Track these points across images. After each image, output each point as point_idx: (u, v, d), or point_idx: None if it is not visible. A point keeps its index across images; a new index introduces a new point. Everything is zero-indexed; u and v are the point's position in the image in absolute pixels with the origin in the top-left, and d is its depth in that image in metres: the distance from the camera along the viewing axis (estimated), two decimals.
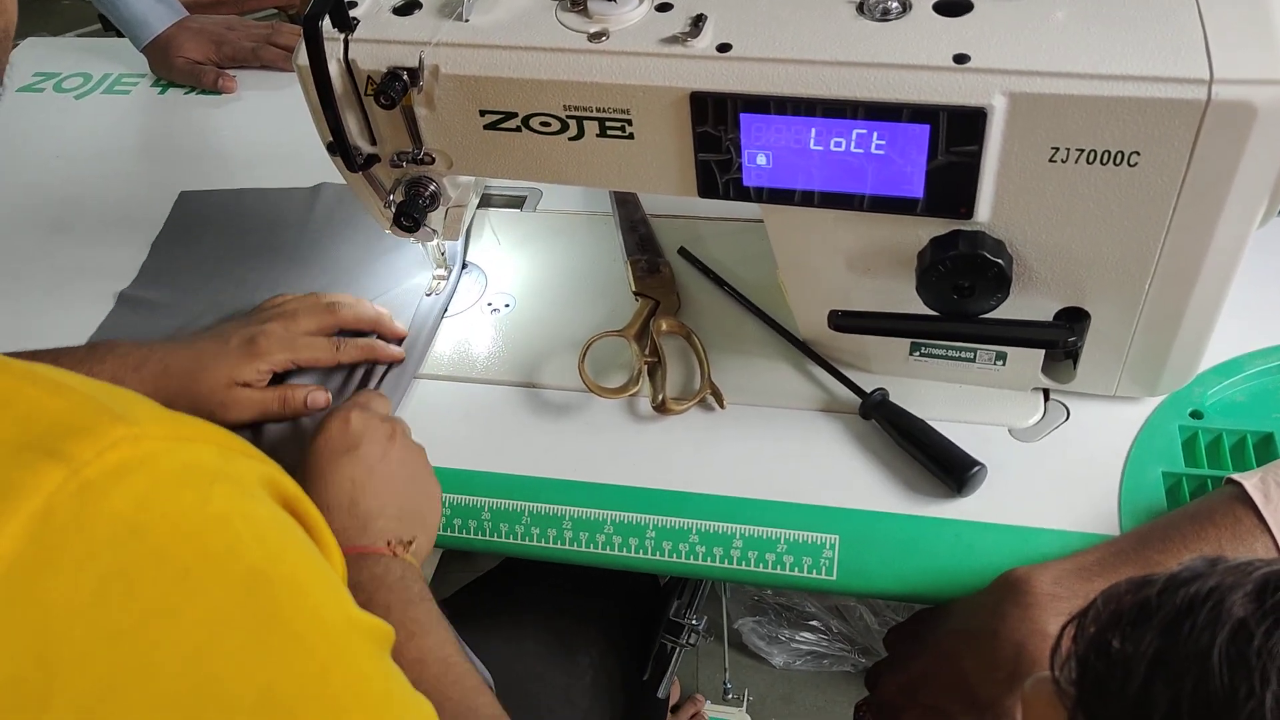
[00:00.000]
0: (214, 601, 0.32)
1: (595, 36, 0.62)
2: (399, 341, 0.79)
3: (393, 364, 0.78)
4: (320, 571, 0.37)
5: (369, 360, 0.78)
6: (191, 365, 0.72)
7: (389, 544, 0.61)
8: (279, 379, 0.76)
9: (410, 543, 0.63)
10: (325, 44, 0.64)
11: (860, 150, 0.60)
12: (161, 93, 1.15)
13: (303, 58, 0.65)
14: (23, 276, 0.93)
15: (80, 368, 0.69)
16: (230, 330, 0.75)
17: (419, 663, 0.56)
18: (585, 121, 0.64)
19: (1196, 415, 0.70)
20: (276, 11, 2.00)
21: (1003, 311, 0.64)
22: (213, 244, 0.92)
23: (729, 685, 1.36)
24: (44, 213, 1.00)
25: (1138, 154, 0.56)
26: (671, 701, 1.23)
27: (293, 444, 0.73)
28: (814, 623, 1.51)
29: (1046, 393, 0.73)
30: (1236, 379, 0.72)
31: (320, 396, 0.75)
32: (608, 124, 0.64)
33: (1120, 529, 0.64)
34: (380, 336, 0.79)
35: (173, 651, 0.31)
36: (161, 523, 0.32)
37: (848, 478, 0.69)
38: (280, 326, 0.75)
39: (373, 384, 0.77)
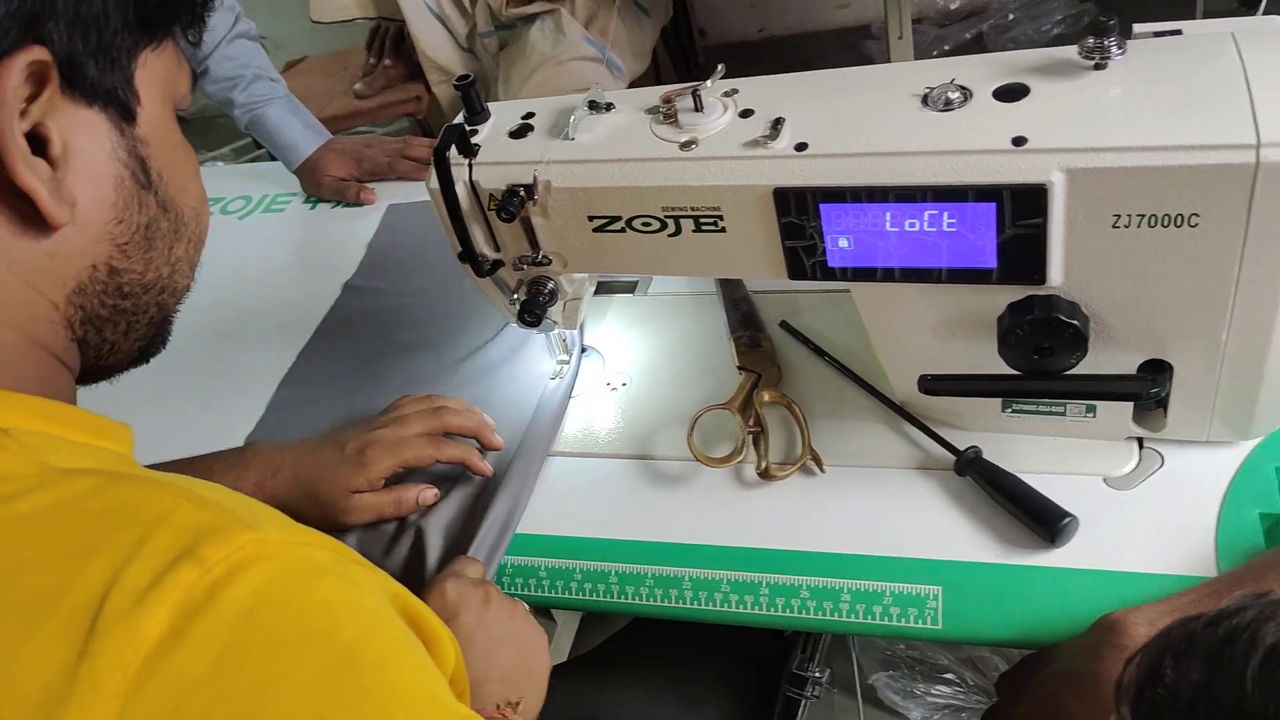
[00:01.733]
0: (309, 672, 0.37)
1: (686, 145, 0.70)
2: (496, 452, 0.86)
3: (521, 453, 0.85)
4: (412, 658, 0.42)
5: (464, 465, 0.83)
6: (315, 473, 0.80)
7: (498, 707, 0.65)
8: None
9: (518, 703, 0.66)
10: (452, 169, 0.74)
11: (933, 229, 0.65)
12: (311, 208, 1.29)
13: (434, 182, 0.75)
14: (200, 379, 1.06)
15: (232, 471, 0.80)
16: (348, 437, 0.82)
17: None
18: (682, 220, 0.71)
19: None
20: (406, 118, 2.17)
21: (1086, 366, 0.67)
22: (362, 343, 1.04)
23: None
24: (217, 322, 1.13)
25: (1197, 216, 0.60)
26: None
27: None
28: (949, 675, 1.51)
29: (1140, 441, 0.75)
30: None
31: (429, 494, 0.82)
32: (702, 220, 0.71)
33: (1217, 571, 0.66)
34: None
35: (274, 712, 0.36)
36: (272, 607, 0.38)
37: (947, 532, 0.73)
38: (390, 432, 0.82)
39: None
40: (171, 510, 0.40)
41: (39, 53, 0.43)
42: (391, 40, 2.02)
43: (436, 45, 1.83)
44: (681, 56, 2.48)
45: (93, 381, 0.54)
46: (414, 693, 0.40)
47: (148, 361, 0.57)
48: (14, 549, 0.38)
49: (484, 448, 0.86)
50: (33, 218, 0.45)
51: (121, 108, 0.48)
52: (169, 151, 0.52)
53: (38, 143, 0.45)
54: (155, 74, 0.50)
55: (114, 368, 0.55)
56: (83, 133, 0.47)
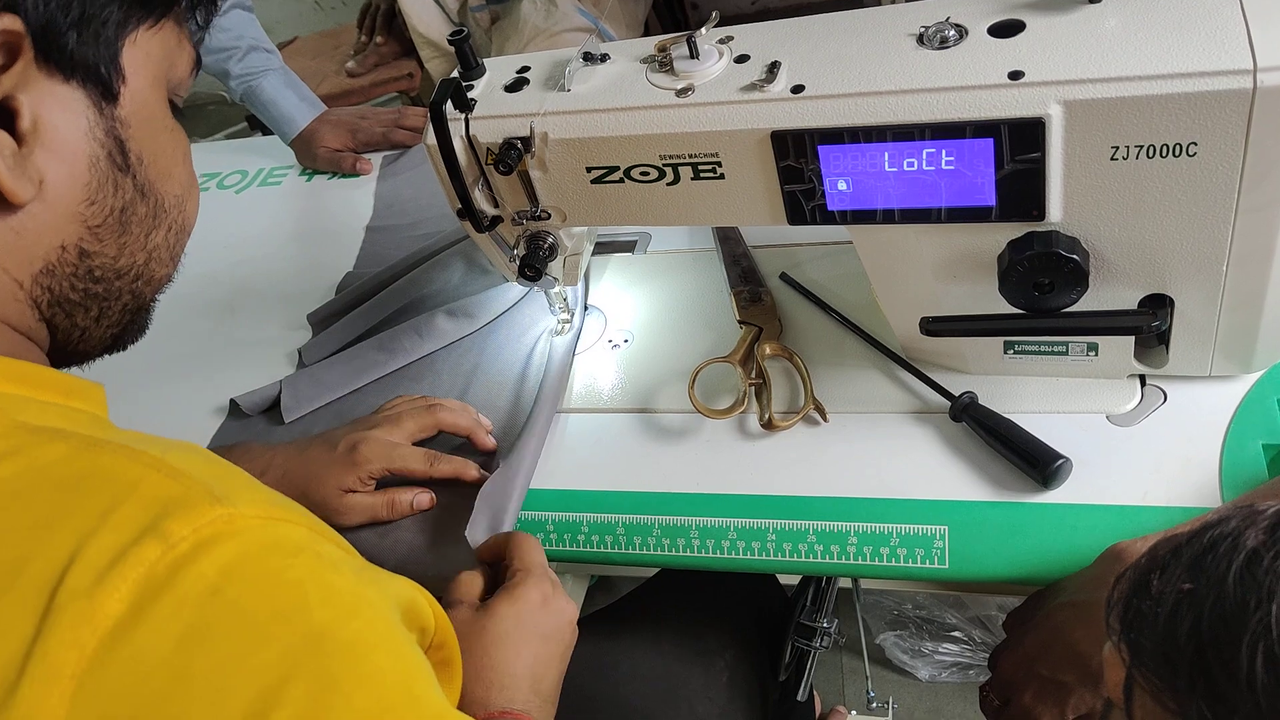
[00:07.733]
0: (276, 652, 0.36)
1: (682, 91, 0.70)
2: (489, 454, 0.83)
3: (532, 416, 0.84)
4: (389, 643, 0.41)
5: (458, 478, 0.80)
6: (305, 472, 0.78)
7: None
8: None
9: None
10: (449, 124, 0.73)
11: (931, 168, 0.65)
12: (308, 180, 1.29)
13: (431, 138, 0.74)
14: (203, 353, 1.06)
15: None
16: (340, 435, 0.80)
17: None
18: (680, 167, 0.71)
19: None
20: (399, 95, 2.17)
21: (1086, 303, 0.68)
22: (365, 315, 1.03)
23: (872, 694, 1.39)
24: (217, 296, 1.13)
25: (1195, 145, 0.60)
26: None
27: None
28: (956, 634, 1.52)
29: (1143, 378, 0.76)
30: None
31: (425, 499, 0.80)
32: (700, 168, 0.71)
33: (1221, 501, 0.67)
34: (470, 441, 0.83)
35: (239, 694, 0.35)
36: (240, 584, 0.37)
37: (951, 474, 0.73)
38: (384, 432, 0.80)
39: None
40: (139, 481, 0.38)
41: (10, 21, 0.41)
42: (383, 17, 2.00)
43: (428, 21, 1.82)
44: (675, 30, 2.46)
45: (64, 366, 0.52)
46: (385, 681, 0.39)
47: (124, 349, 0.55)
48: None
49: (475, 448, 0.83)
50: None
51: (102, 85, 0.46)
52: (154, 135, 0.50)
53: (6, 115, 0.43)
54: (149, 53, 0.49)
55: (85, 354, 0.53)
56: (57, 108, 0.45)
